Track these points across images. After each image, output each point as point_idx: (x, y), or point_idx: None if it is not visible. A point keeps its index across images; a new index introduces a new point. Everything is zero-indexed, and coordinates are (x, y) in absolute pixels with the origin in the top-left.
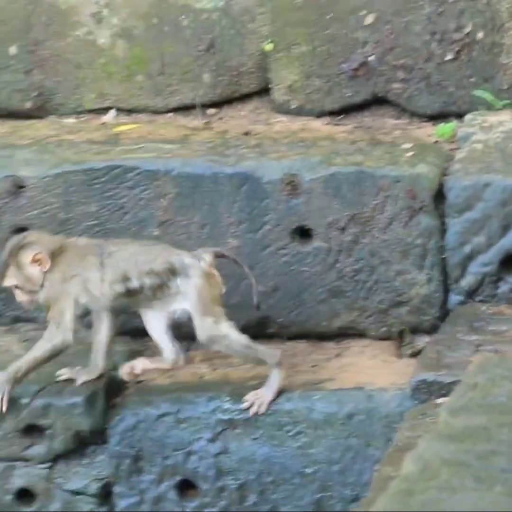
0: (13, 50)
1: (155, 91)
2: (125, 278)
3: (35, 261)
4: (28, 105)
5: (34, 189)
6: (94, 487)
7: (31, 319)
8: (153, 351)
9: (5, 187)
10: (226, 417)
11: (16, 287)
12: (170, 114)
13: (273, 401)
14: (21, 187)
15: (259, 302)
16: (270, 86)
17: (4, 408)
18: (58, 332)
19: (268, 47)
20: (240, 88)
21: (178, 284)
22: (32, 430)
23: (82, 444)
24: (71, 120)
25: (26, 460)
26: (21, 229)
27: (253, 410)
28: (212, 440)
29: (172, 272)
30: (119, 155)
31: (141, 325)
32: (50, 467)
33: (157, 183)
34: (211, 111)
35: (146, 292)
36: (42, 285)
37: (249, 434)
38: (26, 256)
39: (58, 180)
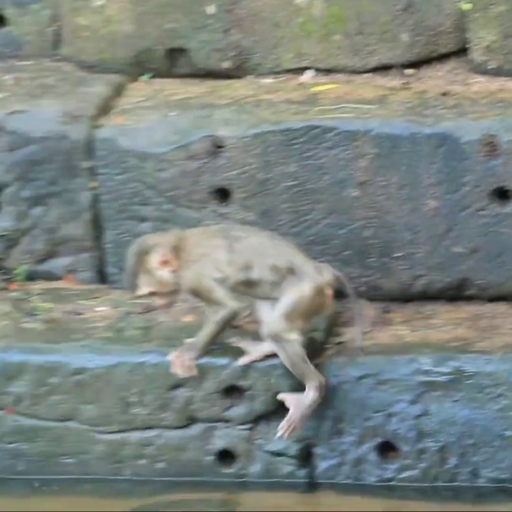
0: (211, 9)
1: (353, 50)
2: (248, 267)
3: (163, 263)
4: (226, 64)
5: (233, 149)
6: (294, 449)
7: None
8: (352, 313)
9: (204, 147)
10: (426, 378)
11: (151, 294)
12: (368, 74)
13: (303, 421)
14: (220, 147)
15: (363, 347)
16: (467, 46)
17: (194, 373)
18: (221, 307)
19: (466, 6)
20: (438, 48)
21: (289, 284)
22: (232, 391)
23: (283, 405)
24: (269, 80)
25: (226, 421)
26: (219, 190)
27: (284, 435)
28: (413, 402)
29: (290, 272)
30: (318, 115)
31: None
32: (250, 428)
33: (356, 143)
34: (409, 71)
35: (263, 287)
36: (176, 285)
37: (450, 396)
38: (153, 260)
39: (256, 140)
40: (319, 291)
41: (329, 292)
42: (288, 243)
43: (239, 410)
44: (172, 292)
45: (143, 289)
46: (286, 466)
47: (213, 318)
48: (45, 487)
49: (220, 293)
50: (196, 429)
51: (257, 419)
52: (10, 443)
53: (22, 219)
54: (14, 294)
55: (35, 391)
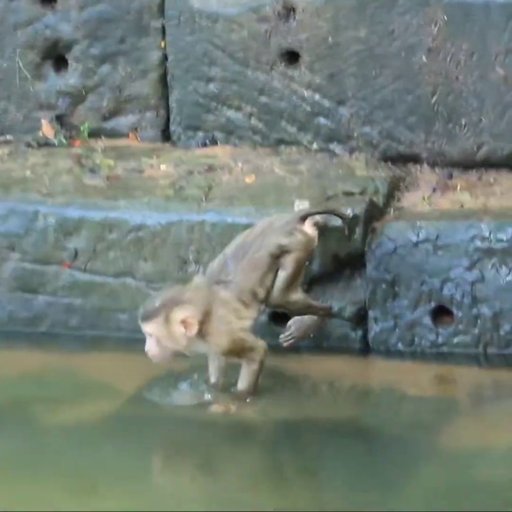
0: None
1: None
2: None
3: (183, 322)
4: None
5: (304, 12)
6: (349, 311)
7: (294, 142)
8: (413, 179)
9: (276, 9)
10: (484, 245)
11: (156, 339)
12: None
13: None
14: (292, 10)
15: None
16: None
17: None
18: (255, 352)
19: None
20: None
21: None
22: None
23: (339, 268)
24: None
25: None
26: (288, 53)
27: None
28: (469, 267)
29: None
30: None
31: (404, 151)
32: (306, 290)
33: (428, 9)
34: None
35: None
36: (185, 348)
37: (507, 263)
38: (178, 315)
39: (329, 4)
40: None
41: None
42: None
43: None
44: (167, 348)
45: (151, 328)
46: (340, 328)
47: (253, 367)
48: (97, 343)
49: (250, 339)
50: None
51: (313, 281)
52: (65, 297)
53: (89, 76)
54: (77, 150)
55: (93, 246)
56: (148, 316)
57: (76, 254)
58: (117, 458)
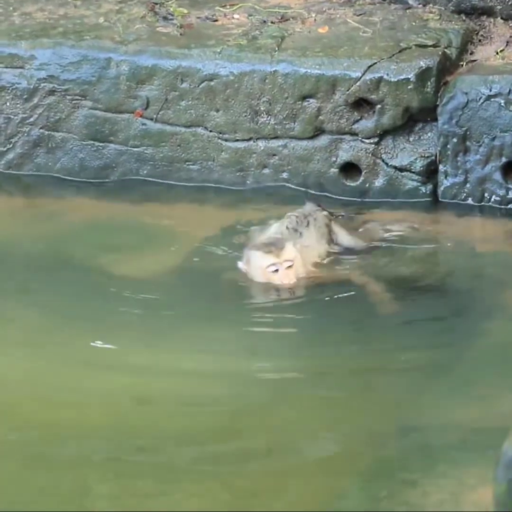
0: None
1: None
2: None
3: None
4: None
5: None
6: (419, 165)
7: None
8: (486, 32)
9: None
10: None
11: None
12: None
13: None
14: None
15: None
16: None
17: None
18: None
19: None
20: None
21: None
22: (361, 104)
23: (411, 121)
24: None
25: (353, 134)
26: None
27: None
28: None
29: None
30: None
31: (478, 4)
32: (376, 143)
33: None
34: None
35: None
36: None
37: None
38: (283, 256)
39: None
40: None
41: None
42: None
43: (367, 123)
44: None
45: (290, 253)
46: (410, 182)
47: None
48: (167, 193)
49: None
50: (322, 140)
51: (384, 134)
52: (136, 146)
53: None
54: None
55: (165, 95)
56: (281, 246)
57: (148, 103)
58: (179, 309)
